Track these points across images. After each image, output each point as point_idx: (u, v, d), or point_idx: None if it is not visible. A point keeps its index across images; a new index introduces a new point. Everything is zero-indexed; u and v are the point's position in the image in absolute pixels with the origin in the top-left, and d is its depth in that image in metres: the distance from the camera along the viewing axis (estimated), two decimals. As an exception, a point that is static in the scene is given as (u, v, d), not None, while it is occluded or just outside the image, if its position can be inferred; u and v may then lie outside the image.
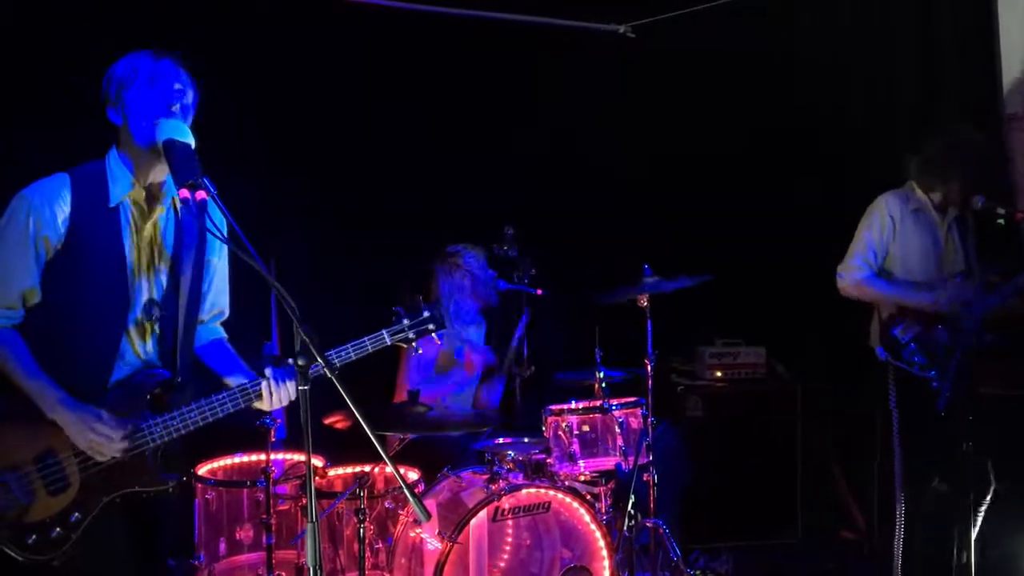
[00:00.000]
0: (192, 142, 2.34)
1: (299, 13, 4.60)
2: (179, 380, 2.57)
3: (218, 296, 2.78)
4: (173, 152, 2.29)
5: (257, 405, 2.56)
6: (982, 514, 3.70)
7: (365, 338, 2.65)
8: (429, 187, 5.09)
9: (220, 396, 2.51)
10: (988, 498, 3.70)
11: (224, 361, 2.73)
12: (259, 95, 4.51)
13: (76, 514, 2.41)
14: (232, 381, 2.65)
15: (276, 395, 2.55)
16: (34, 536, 2.38)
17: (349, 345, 2.62)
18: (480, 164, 5.05)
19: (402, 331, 2.68)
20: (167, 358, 2.57)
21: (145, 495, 2.49)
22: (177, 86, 2.48)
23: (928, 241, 3.77)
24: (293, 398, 2.55)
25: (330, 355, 2.57)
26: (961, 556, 3.68)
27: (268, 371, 2.55)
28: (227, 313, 2.83)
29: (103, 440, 2.38)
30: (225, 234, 2.25)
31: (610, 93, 5.37)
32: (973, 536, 3.57)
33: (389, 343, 2.66)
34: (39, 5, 3.96)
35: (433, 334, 2.73)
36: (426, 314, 2.71)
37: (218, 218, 2.40)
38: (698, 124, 5.25)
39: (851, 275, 3.78)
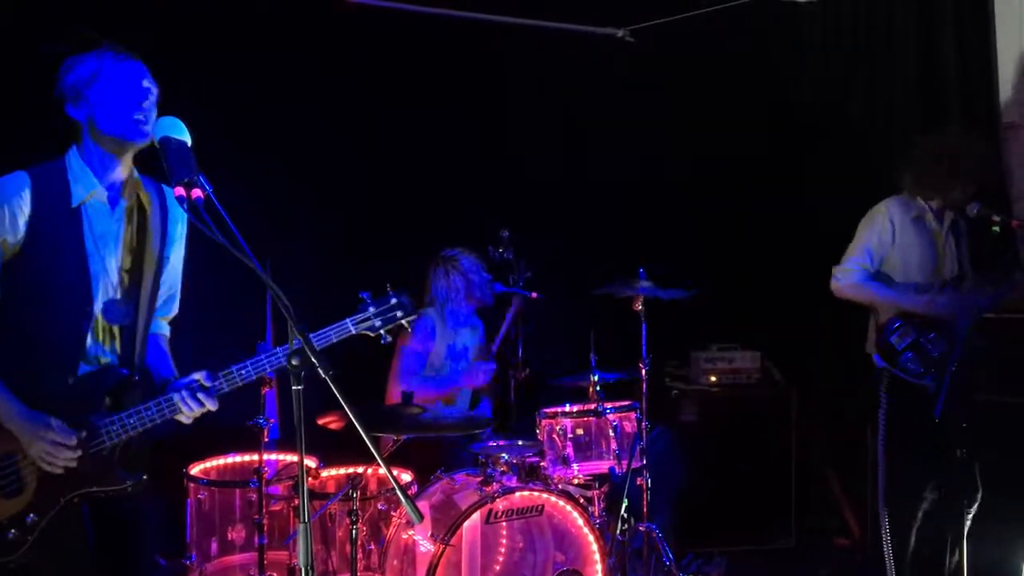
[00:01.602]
0: (188, 139, 2.31)
1: (299, 13, 4.60)
2: (136, 378, 2.53)
3: (171, 292, 2.72)
4: (168, 150, 2.26)
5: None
6: (970, 518, 3.70)
7: (330, 328, 2.51)
8: (427, 188, 5.08)
9: (177, 393, 2.43)
10: (976, 503, 3.69)
11: (155, 357, 2.65)
12: (258, 94, 4.50)
13: (32, 515, 2.38)
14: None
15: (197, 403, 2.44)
16: None
17: (312, 335, 2.46)
18: (480, 165, 5.04)
19: (367, 319, 2.53)
20: (127, 357, 2.53)
21: (103, 495, 2.45)
22: (145, 83, 2.45)
23: (927, 247, 3.76)
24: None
25: (297, 345, 2.45)
26: (953, 561, 3.69)
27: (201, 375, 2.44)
28: (175, 308, 2.76)
29: (51, 449, 2.35)
30: (215, 230, 2.21)
31: (609, 96, 5.37)
32: (964, 540, 3.57)
33: (354, 332, 2.51)
34: (39, 5, 3.95)
35: (404, 322, 2.57)
36: (392, 300, 2.55)
37: (181, 222, 2.45)
38: (696, 128, 5.26)
39: (845, 277, 3.78)
